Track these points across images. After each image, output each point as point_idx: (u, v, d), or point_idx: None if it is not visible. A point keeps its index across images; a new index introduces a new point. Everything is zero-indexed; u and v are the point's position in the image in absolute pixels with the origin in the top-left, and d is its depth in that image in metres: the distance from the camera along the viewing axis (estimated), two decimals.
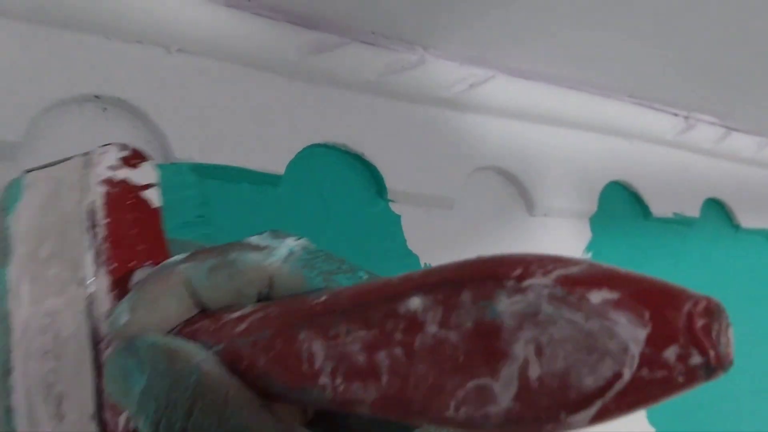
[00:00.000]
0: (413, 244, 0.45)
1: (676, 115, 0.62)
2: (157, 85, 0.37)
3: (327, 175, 0.43)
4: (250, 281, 0.20)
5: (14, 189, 0.24)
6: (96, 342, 0.21)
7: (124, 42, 0.36)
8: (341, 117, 0.43)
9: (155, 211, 0.23)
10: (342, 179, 0.43)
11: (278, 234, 0.21)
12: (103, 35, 0.36)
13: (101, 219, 0.22)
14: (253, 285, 0.20)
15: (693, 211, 0.62)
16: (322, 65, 0.42)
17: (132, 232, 0.22)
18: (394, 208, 0.45)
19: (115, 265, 0.21)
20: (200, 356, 0.18)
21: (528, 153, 0.51)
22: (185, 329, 0.20)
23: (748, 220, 0.67)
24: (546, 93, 0.52)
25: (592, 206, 0.53)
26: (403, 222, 0.45)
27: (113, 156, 0.23)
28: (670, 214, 0.59)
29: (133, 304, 0.20)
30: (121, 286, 0.21)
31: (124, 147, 0.23)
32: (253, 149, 0.39)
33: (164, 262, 0.20)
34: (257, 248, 0.20)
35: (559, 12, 0.44)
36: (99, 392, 0.20)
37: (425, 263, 0.45)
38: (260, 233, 0.21)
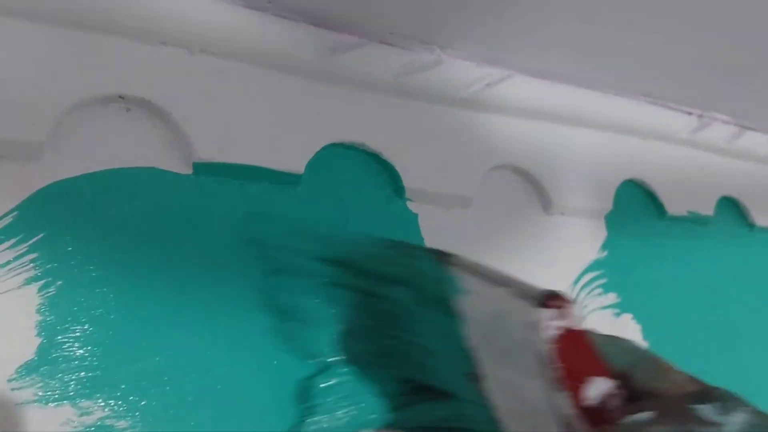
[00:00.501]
0: (430, 242, 0.45)
1: (690, 113, 0.62)
2: (180, 86, 0.37)
3: (345, 174, 0.43)
4: None
5: (453, 282, 0.33)
6: (566, 424, 0.28)
7: (148, 43, 0.37)
8: (359, 117, 0.43)
9: (585, 336, 0.29)
10: (360, 178, 0.44)
11: (727, 404, 0.24)
12: (128, 37, 0.36)
13: (553, 364, 0.28)
14: None
15: (707, 209, 0.62)
16: (341, 66, 0.42)
17: (575, 363, 0.28)
18: (412, 207, 0.45)
19: (570, 390, 0.28)
20: None
21: (544, 152, 0.51)
22: None
23: (762, 218, 0.67)
24: (562, 92, 0.52)
25: (608, 204, 0.54)
26: (420, 221, 0.45)
27: (548, 317, 0.29)
28: (684, 213, 0.59)
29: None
30: (576, 401, 0.27)
31: (548, 302, 0.29)
32: (273, 149, 0.39)
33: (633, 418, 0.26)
34: (709, 423, 0.24)
35: (575, 11, 0.44)
36: None
37: None
38: (708, 401, 0.25)
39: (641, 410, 0.25)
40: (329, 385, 0.37)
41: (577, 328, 0.29)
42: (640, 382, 0.27)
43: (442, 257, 0.34)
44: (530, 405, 0.30)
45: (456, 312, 0.33)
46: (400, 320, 0.37)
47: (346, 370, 0.38)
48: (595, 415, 0.27)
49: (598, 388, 0.27)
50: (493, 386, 0.32)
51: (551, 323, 0.29)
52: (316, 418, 0.36)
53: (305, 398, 0.37)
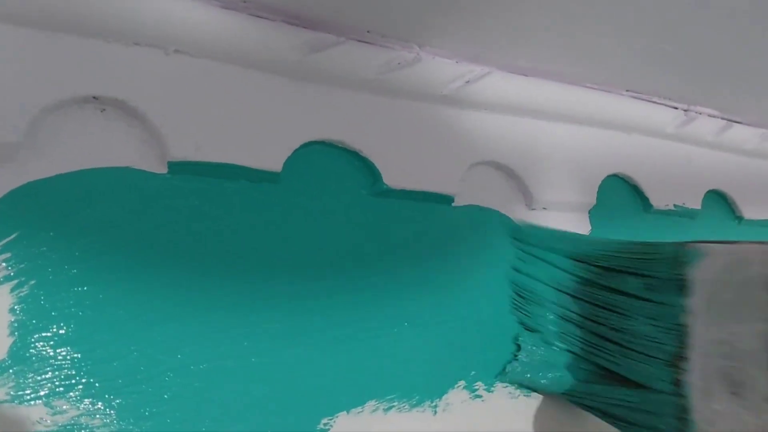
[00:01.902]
0: (411, 240, 0.45)
1: (676, 108, 0.62)
2: (155, 86, 0.37)
3: (324, 171, 0.43)
4: None
5: (693, 252, 0.38)
6: None
7: (122, 44, 0.37)
8: (338, 114, 0.43)
9: None
10: (339, 176, 0.44)
11: None
12: (102, 38, 0.36)
13: None
14: None
15: (695, 203, 0.62)
16: (319, 64, 0.42)
17: None
18: (392, 204, 0.45)
19: None
20: None
21: (526, 148, 0.51)
22: None
23: (750, 211, 0.67)
24: (543, 88, 0.52)
25: (591, 199, 0.54)
26: (402, 218, 0.45)
27: None
28: (671, 206, 0.59)
29: None
30: None
31: None
32: (250, 147, 0.39)
33: None
34: None
35: (555, 7, 0.44)
36: None
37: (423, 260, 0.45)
38: None
39: None
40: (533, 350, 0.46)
41: None
42: None
43: (683, 243, 0.39)
44: (742, 353, 0.35)
45: (684, 286, 0.38)
46: (623, 309, 0.42)
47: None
48: None
49: None
50: (695, 360, 0.37)
51: None
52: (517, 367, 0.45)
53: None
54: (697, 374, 0.37)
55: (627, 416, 0.42)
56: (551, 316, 0.46)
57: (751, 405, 0.34)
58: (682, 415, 0.38)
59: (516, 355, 0.46)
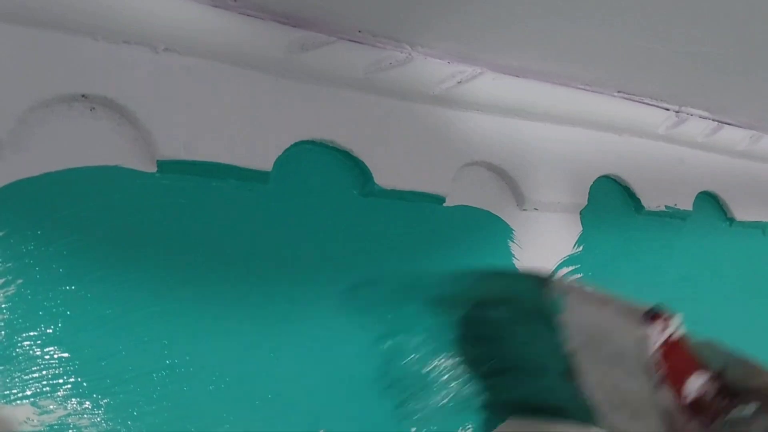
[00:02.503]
0: (402, 240, 0.45)
1: (667, 109, 0.62)
2: (144, 85, 0.37)
3: (315, 171, 0.43)
4: None
5: (553, 302, 0.37)
6: (665, 414, 0.33)
7: (111, 42, 0.37)
8: (329, 114, 0.43)
9: (684, 343, 0.33)
10: (330, 175, 0.44)
11: None
12: (90, 36, 0.36)
13: (659, 370, 0.33)
14: None
15: (686, 204, 0.62)
16: (310, 63, 0.42)
17: (677, 364, 0.32)
18: (383, 204, 0.45)
19: (674, 388, 0.32)
20: None
21: (517, 148, 0.51)
22: None
23: (742, 213, 0.67)
24: (534, 89, 0.52)
25: (583, 200, 0.54)
26: (393, 218, 0.45)
27: (655, 334, 0.33)
28: (662, 208, 0.60)
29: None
30: (678, 395, 0.32)
31: (653, 320, 0.33)
32: (240, 146, 0.39)
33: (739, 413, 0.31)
34: None
35: (547, 7, 0.44)
36: None
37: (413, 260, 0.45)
38: None
39: (742, 403, 0.30)
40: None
41: (676, 336, 0.33)
42: (733, 380, 0.32)
43: (541, 280, 0.38)
44: (631, 398, 0.35)
45: (556, 324, 0.38)
46: (503, 333, 0.42)
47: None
48: (695, 407, 0.32)
49: (696, 383, 0.32)
50: (589, 383, 0.38)
51: (656, 337, 0.33)
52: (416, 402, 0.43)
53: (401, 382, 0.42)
54: (592, 392, 0.38)
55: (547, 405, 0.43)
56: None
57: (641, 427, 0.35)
58: (590, 416, 0.39)
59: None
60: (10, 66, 0.34)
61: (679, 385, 0.32)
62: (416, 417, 0.42)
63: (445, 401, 0.44)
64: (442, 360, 0.44)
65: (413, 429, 0.41)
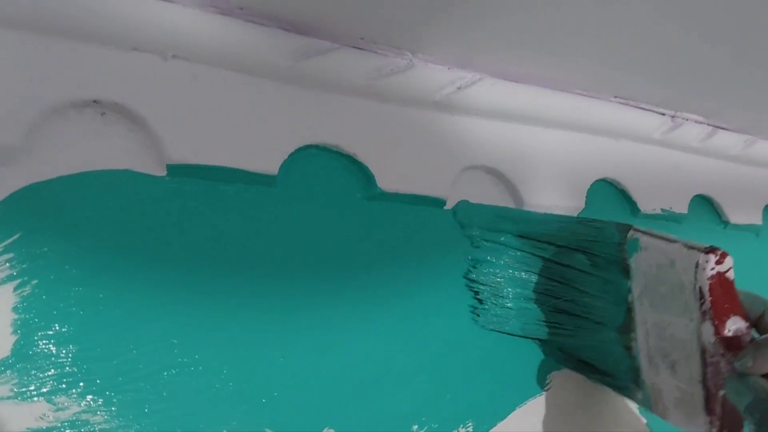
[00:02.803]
0: (405, 242, 0.46)
1: (663, 114, 0.64)
2: (154, 91, 0.38)
3: (320, 175, 0.44)
4: None
5: (631, 243, 0.41)
6: (702, 351, 0.37)
7: (122, 49, 0.38)
8: (333, 119, 0.44)
9: (732, 283, 0.36)
10: (334, 179, 0.45)
11: None
12: (101, 43, 0.37)
13: (707, 297, 0.36)
14: None
15: (682, 207, 0.63)
16: (314, 69, 0.43)
17: (723, 300, 0.36)
18: (386, 207, 0.46)
19: (717, 320, 0.36)
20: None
21: (516, 152, 0.52)
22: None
23: (736, 216, 0.68)
24: (532, 94, 0.53)
25: (580, 203, 0.55)
26: (395, 221, 0.46)
27: (712, 261, 0.36)
28: (658, 211, 0.61)
29: (753, 356, 0.34)
30: (719, 331, 0.36)
31: (715, 252, 0.36)
32: (247, 150, 0.40)
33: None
34: None
35: (545, 15, 0.45)
36: (704, 376, 0.37)
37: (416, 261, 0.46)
38: None
39: None
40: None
41: (728, 274, 0.36)
42: None
43: (624, 226, 0.42)
44: (675, 339, 0.38)
45: (627, 269, 0.41)
46: (575, 282, 0.45)
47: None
48: (731, 344, 0.35)
49: (736, 324, 0.36)
50: (639, 334, 0.41)
51: (712, 265, 0.36)
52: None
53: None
54: (642, 344, 0.41)
55: (594, 365, 0.47)
56: (508, 294, 0.48)
57: (685, 382, 0.38)
58: (635, 375, 0.43)
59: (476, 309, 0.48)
60: (24, 73, 0.35)
61: (723, 319, 0.36)
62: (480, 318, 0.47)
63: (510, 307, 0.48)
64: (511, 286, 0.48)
65: (415, 426, 0.42)
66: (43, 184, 0.35)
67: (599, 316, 0.44)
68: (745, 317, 0.36)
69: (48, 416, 0.32)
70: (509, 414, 0.47)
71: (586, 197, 0.55)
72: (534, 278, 0.48)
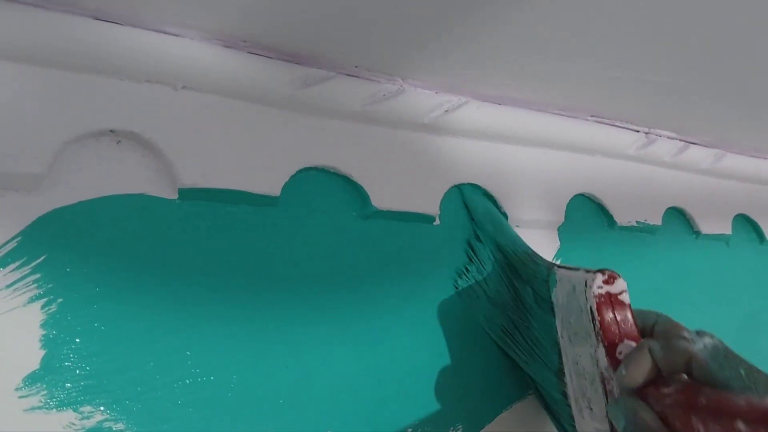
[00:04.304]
0: (397, 256, 0.49)
1: (637, 131, 0.67)
2: (165, 119, 0.41)
3: (319, 195, 0.47)
4: (680, 357, 0.32)
5: (551, 279, 0.42)
6: (602, 380, 0.37)
7: (135, 82, 0.41)
8: (330, 143, 0.47)
9: (627, 306, 0.37)
10: (332, 198, 0.48)
11: (701, 332, 0.34)
12: (116, 76, 0.40)
13: (596, 317, 0.37)
14: (681, 360, 0.32)
15: (656, 219, 0.67)
16: (312, 97, 0.46)
17: (614, 322, 0.36)
18: (380, 224, 0.49)
19: (606, 342, 0.36)
20: (649, 415, 0.32)
21: (500, 170, 0.56)
22: (643, 389, 0.33)
23: (707, 226, 0.72)
24: (515, 116, 0.56)
25: (560, 217, 0.58)
26: (388, 237, 0.49)
27: (599, 280, 0.37)
28: (634, 223, 0.64)
29: (626, 364, 0.34)
30: (610, 353, 0.36)
31: (603, 273, 0.37)
32: (251, 174, 0.43)
33: (642, 341, 0.35)
34: (686, 339, 0.33)
35: (525, 43, 0.48)
36: (607, 407, 0.36)
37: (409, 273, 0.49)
38: (691, 330, 0.35)
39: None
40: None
41: (621, 297, 0.37)
42: (660, 333, 0.36)
43: (550, 264, 0.43)
44: (585, 372, 0.38)
45: (552, 306, 0.42)
46: (527, 312, 0.46)
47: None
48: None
49: (628, 349, 0.36)
50: (568, 377, 0.41)
51: (599, 283, 0.37)
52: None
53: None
54: (569, 388, 0.41)
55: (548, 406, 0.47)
56: (486, 282, 0.51)
57: (602, 421, 0.38)
58: (572, 422, 0.42)
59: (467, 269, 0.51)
60: (48, 106, 0.37)
61: (613, 341, 0.36)
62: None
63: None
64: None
65: (410, 430, 0.45)
66: (66, 208, 0.37)
67: (543, 356, 0.44)
68: (638, 339, 0.36)
69: (75, 424, 0.34)
70: (496, 417, 0.50)
71: (566, 212, 0.59)
72: (503, 289, 0.49)
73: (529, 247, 0.48)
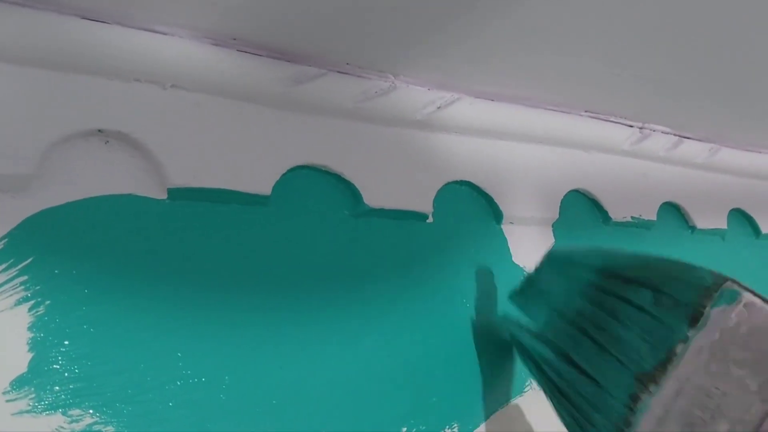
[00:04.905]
0: (391, 255, 0.49)
1: (631, 126, 0.67)
2: (154, 119, 0.41)
3: (310, 193, 0.47)
4: None
5: (729, 294, 0.36)
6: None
7: (124, 81, 0.40)
8: (322, 141, 0.47)
9: None
10: (324, 197, 0.47)
11: None
12: (104, 76, 0.40)
13: None
14: None
15: (650, 214, 0.67)
16: (303, 95, 0.46)
17: None
18: (373, 222, 0.49)
19: None
20: None
21: (493, 167, 0.55)
22: None
23: (702, 221, 0.72)
24: (508, 111, 0.56)
25: (554, 214, 0.58)
26: (381, 235, 0.49)
27: None
28: (628, 218, 0.64)
29: None
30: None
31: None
32: (242, 173, 0.43)
33: None
34: None
35: (517, 39, 0.48)
36: None
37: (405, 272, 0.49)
38: None
39: None
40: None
41: None
42: None
43: (722, 276, 0.37)
44: (717, 411, 0.34)
45: (698, 317, 0.36)
46: (621, 314, 0.41)
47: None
48: None
49: None
50: (666, 389, 0.36)
51: None
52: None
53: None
54: (660, 401, 0.36)
55: (570, 398, 0.42)
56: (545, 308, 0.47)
57: None
58: (622, 427, 0.38)
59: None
60: (35, 106, 0.37)
61: None
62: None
63: None
64: None
65: (404, 428, 0.45)
66: (54, 209, 0.37)
67: (625, 352, 0.40)
68: None
69: (64, 428, 0.34)
70: (492, 415, 0.49)
71: (560, 208, 0.58)
72: (577, 299, 0.45)
73: (671, 258, 0.42)
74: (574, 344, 0.43)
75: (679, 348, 0.36)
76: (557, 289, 0.46)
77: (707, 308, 0.36)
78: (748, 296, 0.35)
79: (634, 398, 0.37)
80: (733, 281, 0.36)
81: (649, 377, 0.37)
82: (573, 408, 0.42)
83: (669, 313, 0.38)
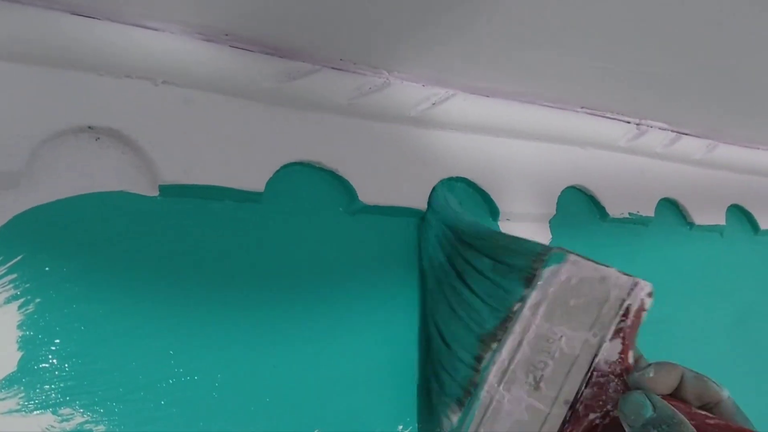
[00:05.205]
0: (385, 252, 0.49)
1: (628, 122, 0.67)
2: (145, 115, 0.40)
3: (304, 190, 0.46)
4: (709, 396, 0.35)
5: (557, 256, 0.41)
6: (591, 370, 0.37)
7: (114, 77, 0.40)
8: (315, 137, 0.47)
9: (640, 324, 0.38)
10: (318, 194, 0.47)
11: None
12: (95, 72, 0.39)
13: (628, 316, 0.37)
14: (708, 399, 0.35)
15: (648, 210, 0.66)
16: (297, 91, 0.46)
17: (635, 329, 0.37)
18: (367, 219, 0.48)
19: (627, 342, 0.37)
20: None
21: (489, 163, 0.55)
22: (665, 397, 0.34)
23: (700, 217, 0.72)
24: (504, 108, 0.56)
25: (551, 210, 0.57)
26: (376, 232, 0.49)
27: (647, 290, 0.38)
28: (626, 215, 0.64)
29: (656, 371, 0.35)
30: (623, 356, 0.37)
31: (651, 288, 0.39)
32: (234, 170, 0.42)
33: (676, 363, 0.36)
34: (716, 384, 0.35)
35: (513, 34, 0.48)
36: (577, 396, 0.36)
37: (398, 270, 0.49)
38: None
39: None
40: None
41: (644, 313, 0.38)
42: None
43: (551, 247, 0.42)
44: (560, 353, 0.38)
45: (531, 278, 0.41)
46: (468, 277, 0.45)
47: None
48: (627, 367, 0.36)
49: (634, 356, 0.37)
50: (506, 344, 0.40)
51: (647, 292, 0.38)
52: None
53: None
54: (503, 356, 0.39)
55: (432, 357, 0.45)
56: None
57: (546, 400, 0.37)
58: (468, 387, 0.40)
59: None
60: (25, 102, 0.37)
61: (632, 344, 0.37)
62: None
63: None
64: None
65: (400, 426, 0.45)
66: (44, 207, 0.37)
67: (471, 316, 0.43)
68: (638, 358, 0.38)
69: (54, 427, 0.34)
70: None
71: (557, 204, 0.58)
72: (438, 252, 0.48)
73: (503, 233, 0.48)
74: (434, 304, 0.47)
75: (516, 307, 0.40)
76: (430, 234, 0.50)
77: (539, 270, 0.41)
78: (573, 256, 0.41)
79: (479, 359, 0.40)
80: (560, 248, 0.42)
81: (491, 336, 0.40)
82: (430, 366, 0.45)
83: (505, 278, 0.42)
